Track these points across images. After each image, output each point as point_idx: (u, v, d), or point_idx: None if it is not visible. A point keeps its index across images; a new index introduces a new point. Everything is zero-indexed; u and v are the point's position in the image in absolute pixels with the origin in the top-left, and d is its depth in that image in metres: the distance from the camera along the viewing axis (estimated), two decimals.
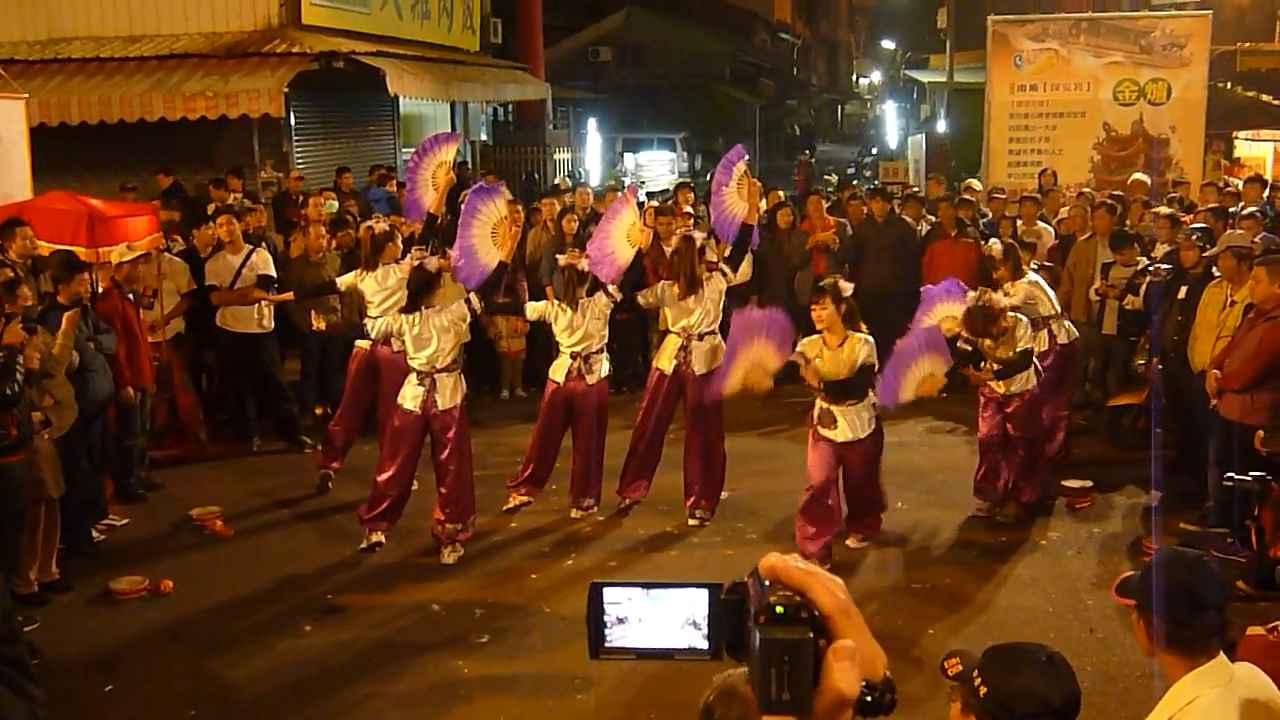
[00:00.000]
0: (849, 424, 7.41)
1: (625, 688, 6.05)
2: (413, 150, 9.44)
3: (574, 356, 8.30)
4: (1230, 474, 5.13)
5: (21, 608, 6.69)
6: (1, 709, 3.79)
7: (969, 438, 9.53)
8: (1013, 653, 2.83)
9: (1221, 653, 3.08)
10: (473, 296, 7.71)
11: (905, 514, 8.45)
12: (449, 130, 20.04)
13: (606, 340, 8.50)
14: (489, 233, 7.93)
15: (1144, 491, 8.81)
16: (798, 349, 7.48)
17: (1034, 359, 8.15)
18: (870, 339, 7.39)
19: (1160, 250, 10.11)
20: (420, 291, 7.61)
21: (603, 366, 8.44)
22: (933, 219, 12.43)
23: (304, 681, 6.29)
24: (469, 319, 7.86)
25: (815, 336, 7.46)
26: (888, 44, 57.49)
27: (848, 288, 7.49)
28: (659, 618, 1.18)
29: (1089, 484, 8.83)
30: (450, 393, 7.73)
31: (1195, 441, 8.48)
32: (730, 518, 8.45)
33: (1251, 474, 5.04)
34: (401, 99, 16.77)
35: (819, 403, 7.48)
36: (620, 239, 8.31)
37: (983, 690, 2.71)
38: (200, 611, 7.18)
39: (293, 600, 7.33)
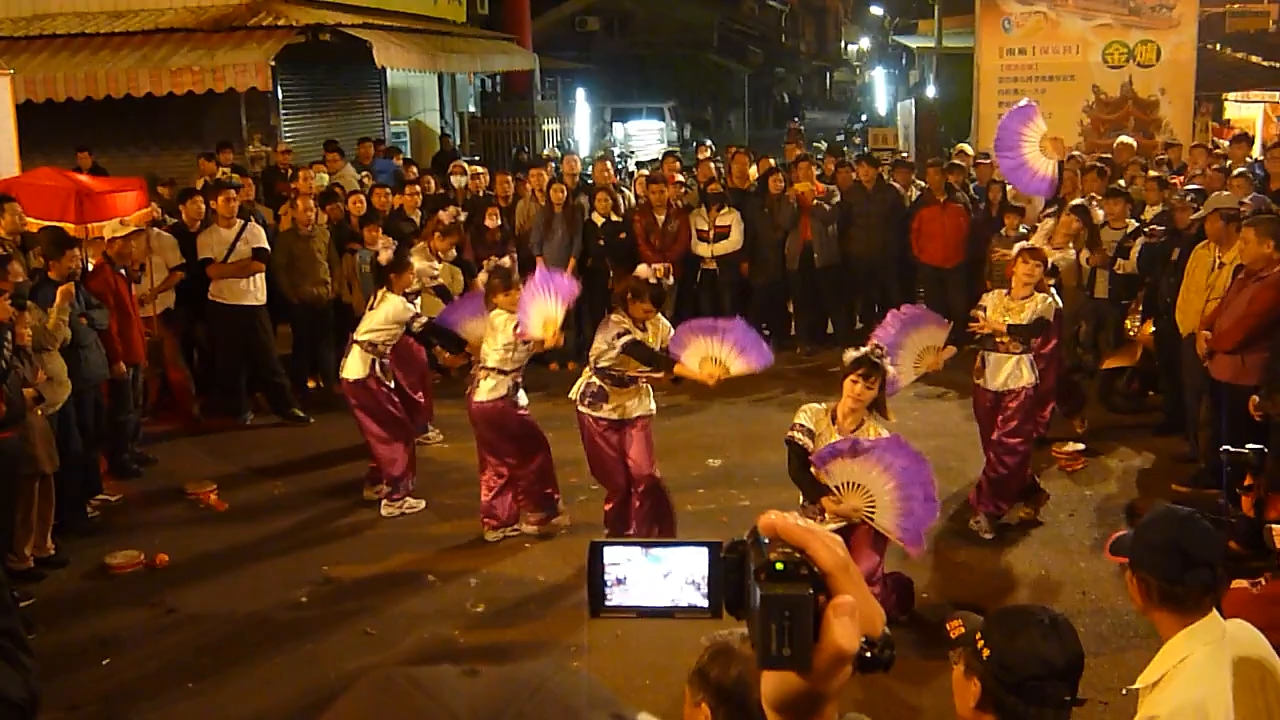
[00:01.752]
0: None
1: (619, 654, 6.05)
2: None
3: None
4: (1226, 447, 5.11)
5: (18, 583, 6.69)
6: None
7: (961, 402, 9.54)
8: (1016, 615, 2.82)
9: (1214, 610, 3.09)
10: (415, 321, 7.97)
11: None
12: (436, 104, 19.99)
13: (499, 365, 7.41)
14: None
15: (1136, 454, 8.84)
16: (800, 423, 5.96)
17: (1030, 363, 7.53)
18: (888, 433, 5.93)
19: (1150, 213, 10.11)
20: (379, 272, 8.20)
21: (486, 386, 7.41)
22: (922, 184, 12.40)
23: (299, 651, 6.30)
24: (400, 325, 7.96)
25: (825, 406, 6.02)
26: (876, 10, 57.06)
27: (891, 370, 6.09)
28: (658, 577, 1.18)
29: (1081, 447, 8.84)
30: (350, 365, 8.00)
31: (1187, 404, 8.50)
32: (722, 484, 8.46)
33: (1249, 446, 5.02)
34: (389, 71, 16.68)
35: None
36: (536, 321, 7.23)
37: (986, 653, 2.70)
38: (196, 584, 7.18)
39: (288, 572, 7.33)
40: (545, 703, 0.80)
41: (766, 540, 1.12)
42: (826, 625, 1.08)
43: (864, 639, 1.11)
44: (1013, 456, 7.49)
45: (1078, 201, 9.45)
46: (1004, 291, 7.58)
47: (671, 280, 7.72)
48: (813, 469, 5.80)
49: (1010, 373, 7.44)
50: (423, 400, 9.25)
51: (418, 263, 8.74)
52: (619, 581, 1.18)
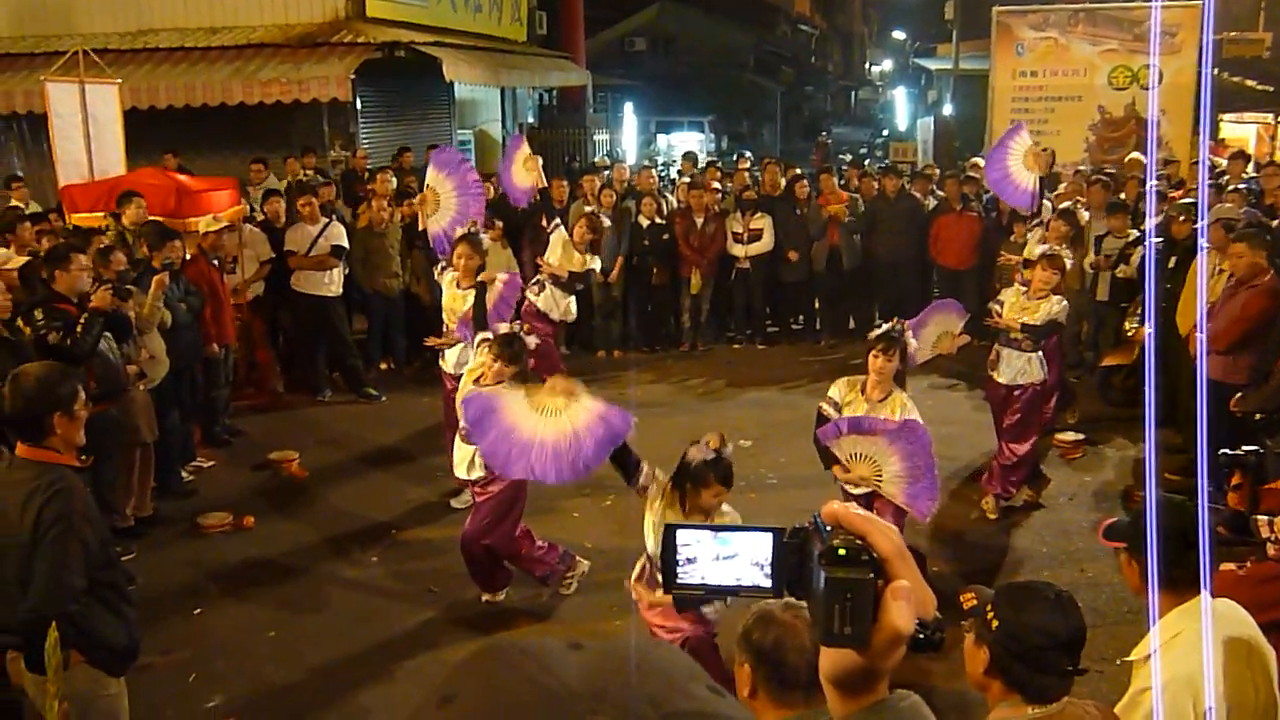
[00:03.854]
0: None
1: None
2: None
3: None
4: (1225, 450, 5.02)
5: (120, 540, 6.76)
6: (101, 626, 3.85)
7: (970, 393, 9.45)
8: (1024, 590, 2.79)
9: (1206, 590, 3.04)
10: None
11: None
12: (498, 115, 20.01)
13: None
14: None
15: (1132, 444, 8.71)
16: (830, 395, 5.95)
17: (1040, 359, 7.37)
18: (912, 403, 5.86)
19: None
20: None
21: None
22: (939, 194, 12.31)
23: (368, 606, 6.35)
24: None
25: (853, 379, 6.00)
26: (898, 34, 56.59)
27: (913, 343, 6.10)
28: (726, 558, 1.18)
29: (1081, 437, 8.74)
30: None
31: (1181, 399, 8.36)
32: (753, 464, 8.40)
33: (1244, 448, 4.94)
34: (457, 85, 16.70)
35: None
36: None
37: (995, 624, 2.68)
38: (278, 543, 7.25)
39: (360, 534, 7.39)
40: (649, 674, 0.80)
41: (829, 528, 1.12)
42: (884, 607, 1.07)
43: (918, 621, 1.10)
44: (1020, 445, 7.42)
45: (1064, 205, 9.34)
46: (1022, 291, 7.45)
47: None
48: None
49: (1020, 369, 7.35)
50: None
51: (557, 255, 8.65)
52: (690, 561, 1.18)
